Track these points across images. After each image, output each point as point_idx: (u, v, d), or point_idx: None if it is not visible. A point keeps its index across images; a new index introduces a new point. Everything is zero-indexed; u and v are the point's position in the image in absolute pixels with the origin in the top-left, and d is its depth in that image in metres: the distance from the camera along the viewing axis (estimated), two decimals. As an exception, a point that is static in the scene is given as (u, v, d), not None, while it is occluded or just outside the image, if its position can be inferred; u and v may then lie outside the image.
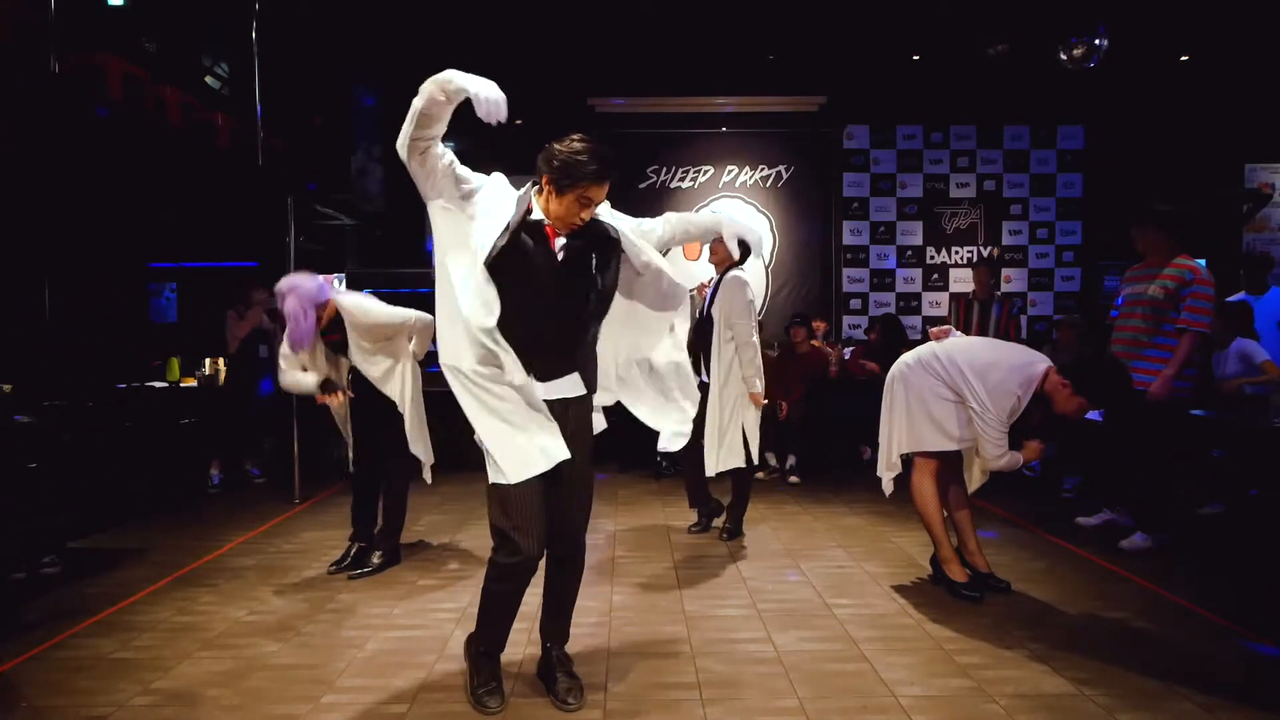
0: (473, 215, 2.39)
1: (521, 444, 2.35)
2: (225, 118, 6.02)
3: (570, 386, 2.48)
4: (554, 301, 2.39)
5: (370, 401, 3.83)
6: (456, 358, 2.36)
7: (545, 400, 2.41)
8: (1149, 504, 4.24)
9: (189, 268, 7.40)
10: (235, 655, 2.96)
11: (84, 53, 4.84)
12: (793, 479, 6.11)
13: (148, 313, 7.32)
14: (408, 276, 6.65)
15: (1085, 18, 6.23)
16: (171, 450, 5.75)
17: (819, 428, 6.43)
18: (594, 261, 2.45)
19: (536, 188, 2.42)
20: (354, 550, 3.97)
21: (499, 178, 2.50)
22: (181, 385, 6.20)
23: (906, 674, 2.76)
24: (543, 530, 2.41)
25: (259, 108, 5.77)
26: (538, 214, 2.40)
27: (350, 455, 4.01)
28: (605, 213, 2.51)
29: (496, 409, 2.35)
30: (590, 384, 2.54)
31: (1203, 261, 4.41)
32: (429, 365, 3.78)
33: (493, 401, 2.35)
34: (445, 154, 2.44)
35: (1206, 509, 4.84)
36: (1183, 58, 7.78)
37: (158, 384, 6.21)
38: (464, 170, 2.45)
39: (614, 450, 6.45)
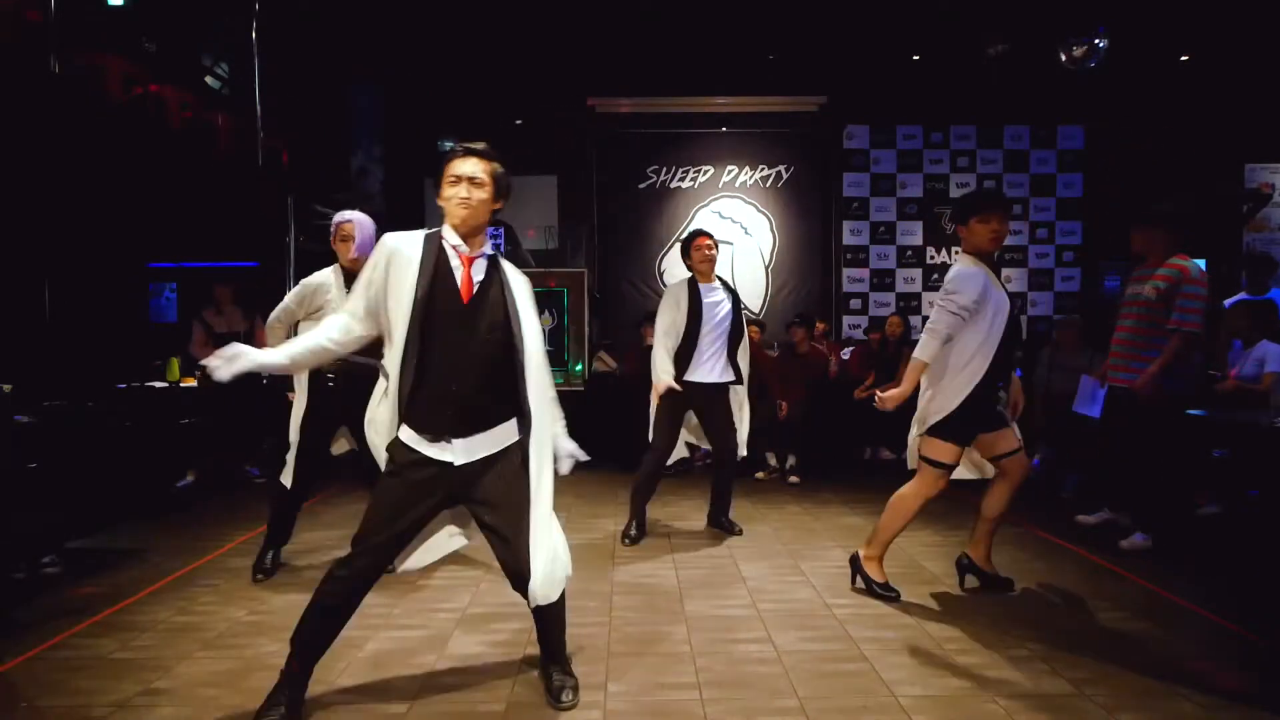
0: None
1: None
2: (225, 118, 6.02)
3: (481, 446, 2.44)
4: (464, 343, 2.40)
5: (340, 402, 3.74)
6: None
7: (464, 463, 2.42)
8: (1148, 503, 4.25)
9: (189, 268, 7.40)
10: (235, 655, 2.95)
11: (84, 53, 4.84)
12: (793, 479, 6.11)
13: (148, 313, 7.31)
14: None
15: (1085, 18, 6.24)
16: (172, 451, 5.74)
17: (819, 428, 6.43)
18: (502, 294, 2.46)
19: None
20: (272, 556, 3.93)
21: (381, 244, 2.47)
22: (181, 385, 6.20)
23: (906, 674, 2.76)
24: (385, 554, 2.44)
25: (259, 108, 5.77)
26: (449, 239, 2.44)
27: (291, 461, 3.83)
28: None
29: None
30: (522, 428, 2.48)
31: (1201, 262, 4.40)
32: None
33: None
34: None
35: (1206, 509, 4.84)
36: (1183, 58, 7.78)
37: (158, 384, 6.20)
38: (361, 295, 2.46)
39: (614, 450, 6.44)
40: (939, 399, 3.35)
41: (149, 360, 6.42)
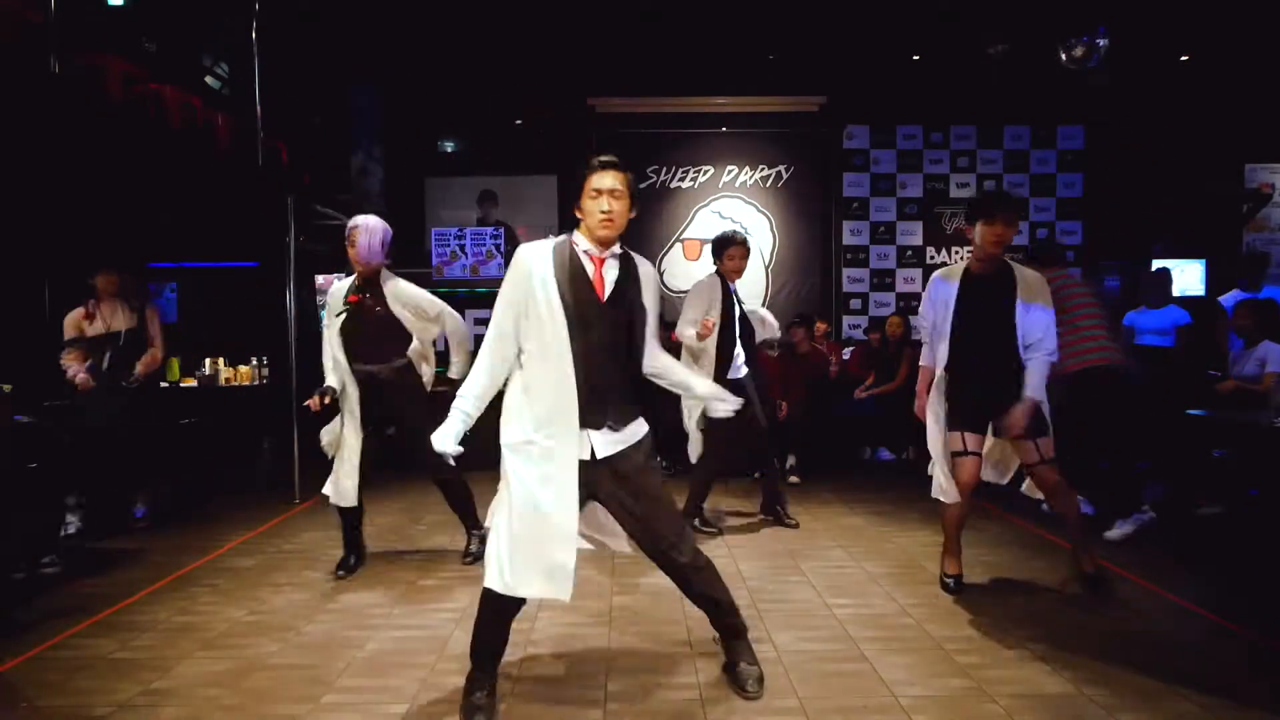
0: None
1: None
2: (225, 118, 6.02)
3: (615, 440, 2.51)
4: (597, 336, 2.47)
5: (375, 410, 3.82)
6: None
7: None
8: (1117, 488, 4.35)
9: (189, 268, 7.40)
10: (235, 655, 2.96)
11: (84, 53, 4.84)
12: (793, 479, 6.11)
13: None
14: (408, 277, 6.64)
15: (1085, 18, 6.23)
16: (172, 450, 5.74)
17: (819, 428, 6.43)
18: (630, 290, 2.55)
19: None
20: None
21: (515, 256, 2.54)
22: (181, 385, 6.21)
23: (906, 674, 2.76)
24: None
25: (259, 108, 5.77)
26: (580, 244, 2.54)
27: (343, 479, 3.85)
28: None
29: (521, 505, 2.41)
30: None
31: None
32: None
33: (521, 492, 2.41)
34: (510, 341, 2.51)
35: (1206, 509, 4.85)
36: (1183, 58, 7.78)
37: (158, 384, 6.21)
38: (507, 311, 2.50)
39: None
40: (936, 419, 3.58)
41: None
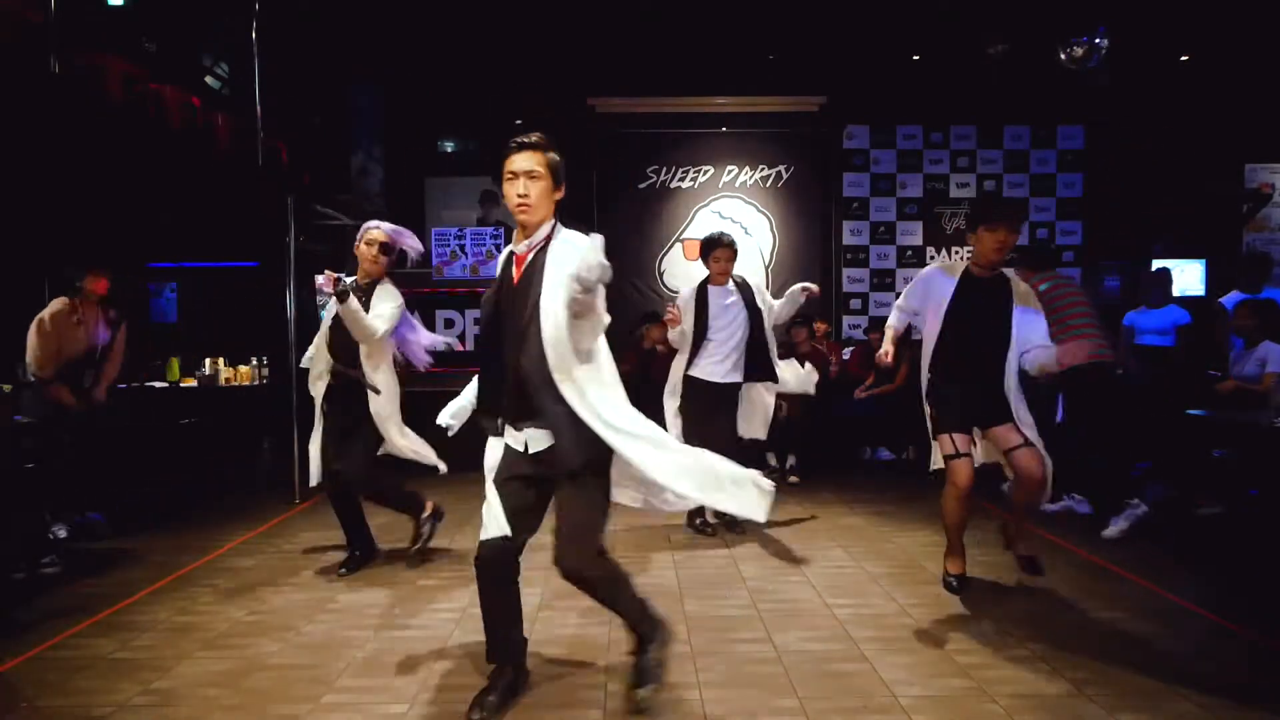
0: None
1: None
2: (225, 118, 6.02)
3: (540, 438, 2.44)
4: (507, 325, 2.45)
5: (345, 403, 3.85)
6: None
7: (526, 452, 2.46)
8: (1108, 484, 4.38)
9: (189, 268, 7.40)
10: (235, 655, 2.96)
11: (84, 53, 4.84)
12: (793, 479, 6.11)
13: (148, 313, 7.32)
14: (408, 277, 6.66)
15: (1085, 18, 6.23)
16: (172, 450, 5.74)
17: (819, 428, 6.43)
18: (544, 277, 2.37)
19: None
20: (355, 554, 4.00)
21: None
22: (181, 385, 6.21)
23: (906, 674, 2.76)
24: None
25: (259, 108, 5.77)
26: (512, 244, 2.50)
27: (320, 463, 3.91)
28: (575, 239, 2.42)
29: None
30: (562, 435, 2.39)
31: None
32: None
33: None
34: None
35: (1206, 509, 4.85)
36: (1183, 58, 7.78)
37: (158, 384, 6.21)
38: None
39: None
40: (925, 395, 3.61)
41: (149, 360, 6.43)
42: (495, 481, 2.49)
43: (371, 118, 8.00)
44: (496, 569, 2.48)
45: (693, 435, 4.52)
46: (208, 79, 6.67)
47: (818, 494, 5.67)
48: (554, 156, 2.42)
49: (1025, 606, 3.41)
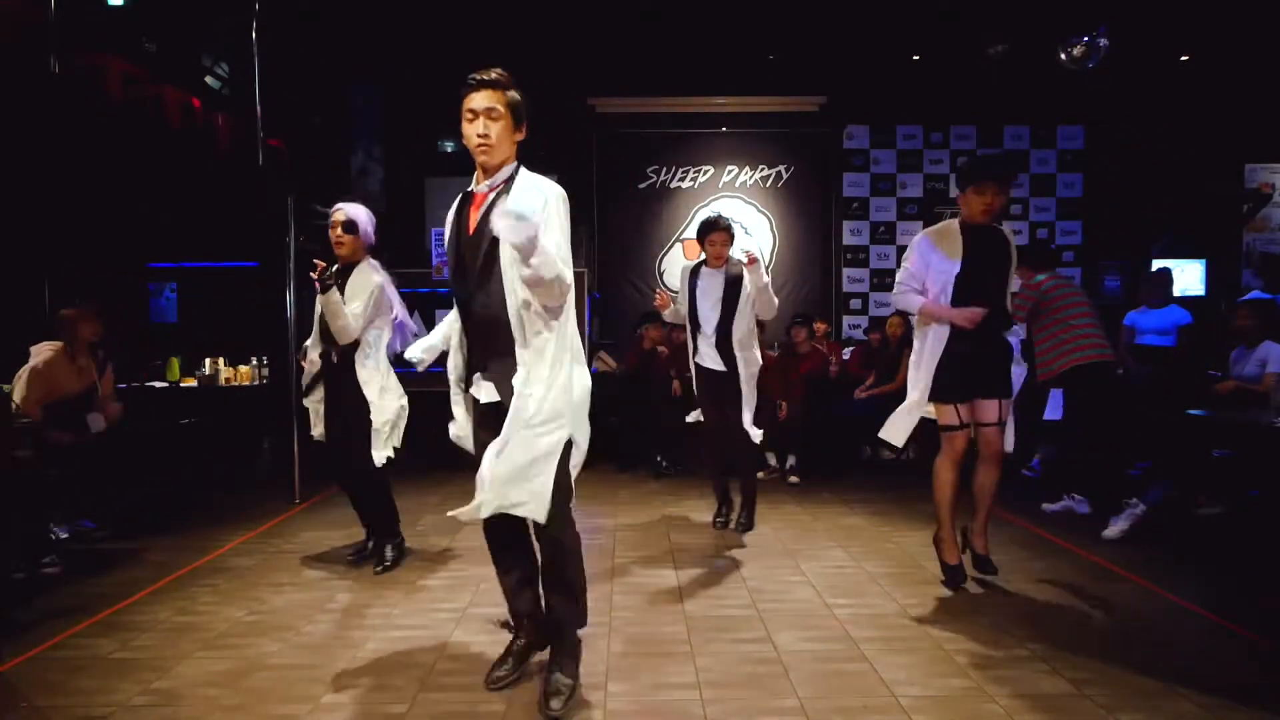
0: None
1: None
2: (225, 118, 6.02)
3: (487, 389, 2.45)
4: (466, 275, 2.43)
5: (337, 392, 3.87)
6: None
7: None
8: (1108, 484, 4.40)
9: (189, 268, 7.40)
10: (235, 655, 2.95)
11: (84, 53, 4.84)
12: (793, 479, 6.11)
13: (148, 313, 7.32)
14: (408, 277, 6.67)
15: (1085, 18, 6.23)
16: (172, 450, 5.75)
17: (819, 428, 6.43)
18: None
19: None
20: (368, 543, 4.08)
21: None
22: (181, 385, 6.21)
23: (906, 674, 2.75)
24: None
25: (259, 108, 5.76)
26: (470, 184, 2.48)
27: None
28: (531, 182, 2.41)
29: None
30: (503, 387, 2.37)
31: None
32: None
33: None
34: None
35: (1207, 509, 4.85)
36: (1183, 58, 7.78)
37: (158, 384, 6.21)
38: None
39: (614, 450, 6.45)
40: (921, 367, 3.52)
41: (149, 360, 6.43)
42: (479, 445, 2.49)
43: (371, 118, 8.00)
44: (504, 534, 2.52)
45: (708, 423, 4.61)
46: (208, 79, 6.67)
47: (818, 494, 5.67)
48: (515, 95, 2.38)
49: (1025, 606, 3.41)
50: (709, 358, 4.49)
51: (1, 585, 3.63)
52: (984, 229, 3.42)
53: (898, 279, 3.55)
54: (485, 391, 2.44)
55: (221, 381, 6.29)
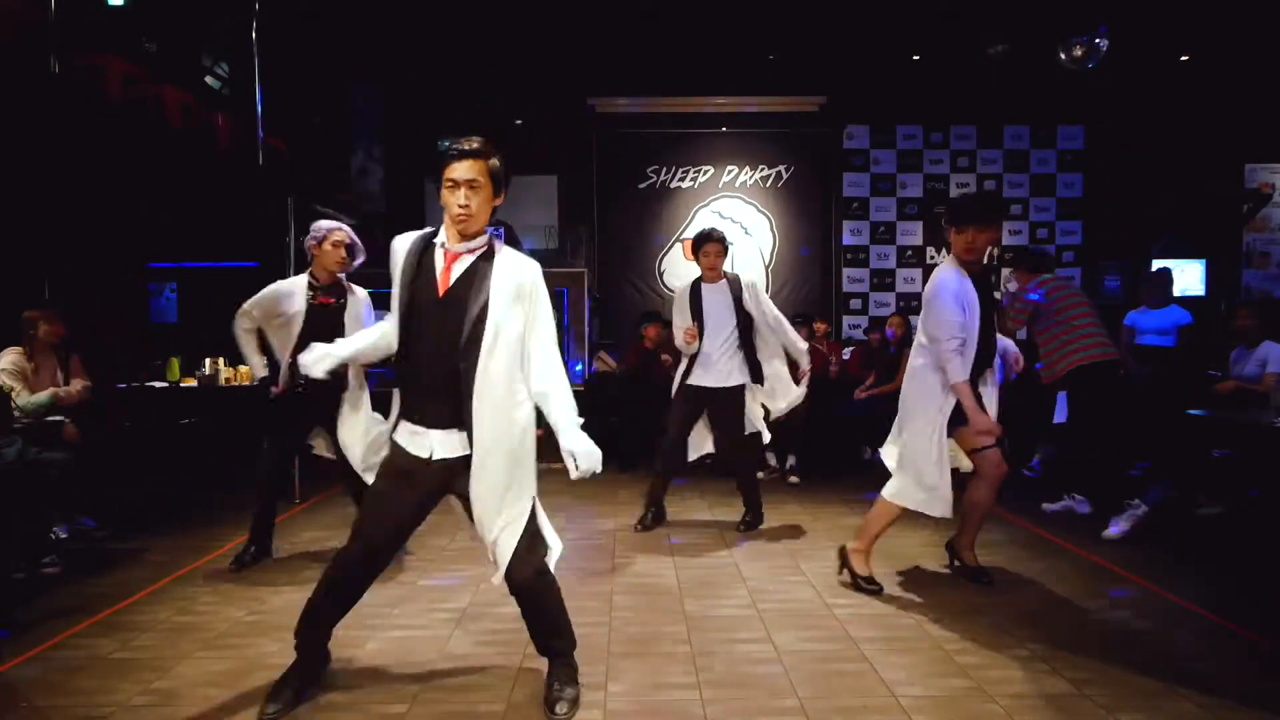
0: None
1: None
2: (225, 118, 6.02)
3: (455, 444, 2.43)
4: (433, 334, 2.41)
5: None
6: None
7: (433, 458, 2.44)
8: (1108, 484, 4.39)
9: (189, 268, 7.39)
10: (235, 655, 2.95)
11: (84, 53, 4.84)
12: (793, 479, 6.11)
13: (148, 313, 7.31)
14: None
15: (1085, 18, 6.24)
16: (172, 450, 5.74)
17: (819, 428, 6.43)
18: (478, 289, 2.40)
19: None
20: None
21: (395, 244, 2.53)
22: (181, 385, 6.20)
23: (906, 674, 2.75)
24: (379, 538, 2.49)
25: (259, 108, 5.76)
26: (441, 236, 2.46)
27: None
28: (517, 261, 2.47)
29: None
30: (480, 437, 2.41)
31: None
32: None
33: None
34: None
35: (1207, 509, 4.85)
36: (1183, 58, 7.78)
37: (158, 384, 6.20)
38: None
39: (614, 450, 6.44)
40: (932, 418, 3.51)
41: (149, 360, 6.42)
42: (381, 485, 2.51)
43: (371, 118, 8.00)
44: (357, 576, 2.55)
45: (675, 440, 4.56)
46: (208, 79, 6.66)
47: (818, 494, 5.67)
48: (496, 163, 2.38)
49: (1025, 606, 3.41)
50: (714, 376, 4.45)
51: (1, 585, 3.63)
52: (975, 265, 3.48)
53: (948, 334, 3.31)
54: (445, 447, 2.43)
55: (221, 381, 6.27)
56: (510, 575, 2.46)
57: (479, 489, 2.40)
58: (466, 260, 2.42)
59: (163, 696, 2.64)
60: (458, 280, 2.40)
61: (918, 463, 3.43)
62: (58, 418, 4.47)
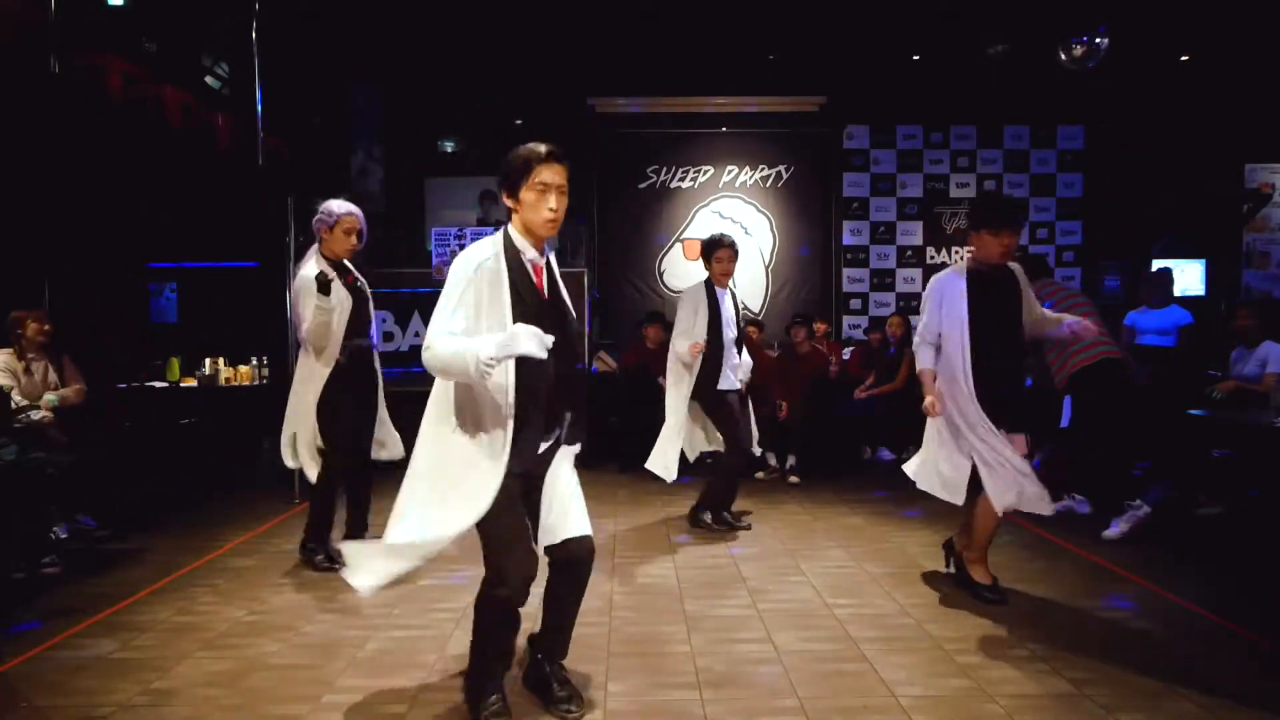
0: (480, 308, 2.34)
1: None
2: (225, 118, 6.02)
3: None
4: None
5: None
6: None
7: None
8: (1109, 484, 4.39)
9: (189, 268, 7.39)
10: (235, 655, 2.96)
11: (84, 53, 4.84)
12: (793, 479, 6.11)
13: (148, 313, 7.31)
14: (408, 277, 6.66)
15: (1085, 18, 6.24)
16: (172, 450, 5.74)
17: (819, 428, 6.43)
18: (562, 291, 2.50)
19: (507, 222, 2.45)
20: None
21: (460, 260, 2.39)
22: (181, 385, 6.21)
23: (906, 674, 2.76)
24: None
25: (259, 108, 5.77)
26: (518, 243, 2.39)
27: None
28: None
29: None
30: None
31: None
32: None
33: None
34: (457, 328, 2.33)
35: (1207, 509, 4.85)
36: (1183, 58, 7.78)
37: (158, 384, 6.21)
38: (461, 313, 2.31)
39: (614, 450, 6.45)
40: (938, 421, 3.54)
41: (149, 360, 6.42)
42: (501, 508, 2.30)
43: (371, 118, 8.01)
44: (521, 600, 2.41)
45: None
46: (208, 79, 6.67)
47: (818, 494, 5.67)
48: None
49: (1025, 606, 3.41)
50: (728, 379, 4.50)
51: (1, 585, 3.63)
52: (993, 269, 3.44)
53: (919, 329, 3.60)
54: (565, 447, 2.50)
55: (221, 381, 6.28)
56: (581, 545, 2.40)
57: (563, 469, 2.47)
58: (543, 267, 2.45)
59: (162, 696, 2.64)
60: (549, 288, 2.44)
61: (933, 450, 3.57)
62: (41, 414, 4.45)
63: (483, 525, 2.29)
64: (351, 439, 3.92)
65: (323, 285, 3.66)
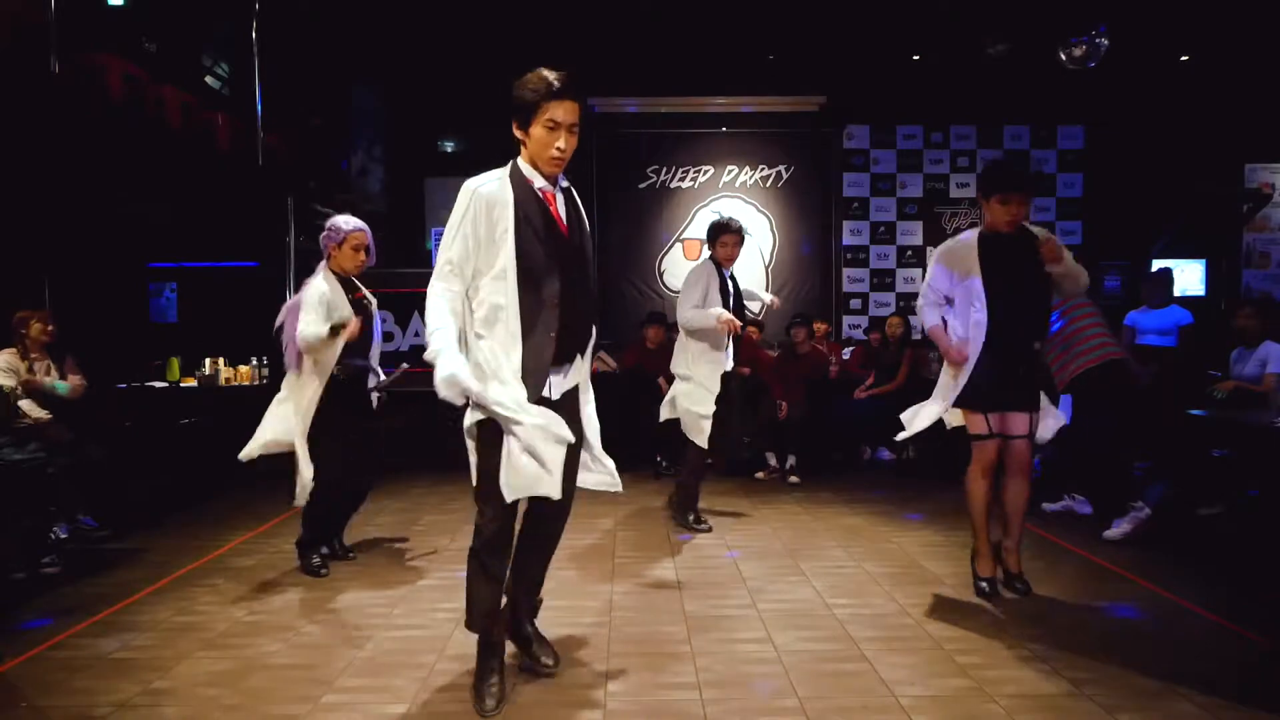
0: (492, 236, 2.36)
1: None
2: (225, 118, 6.02)
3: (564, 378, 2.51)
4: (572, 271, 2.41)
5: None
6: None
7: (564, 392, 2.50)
8: (1110, 484, 4.38)
9: (189, 268, 7.39)
10: (235, 655, 2.95)
11: (84, 53, 4.84)
12: (793, 479, 6.10)
13: (148, 313, 7.31)
14: (408, 276, 6.65)
15: (1085, 18, 6.24)
16: (172, 450, 5.74)
17: (819, 428, 6.43)
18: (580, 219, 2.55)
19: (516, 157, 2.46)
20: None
21: (463, 188, 2.39)
22: (181, 385, 6.21)
23: (906, 674, 2.75)
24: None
25: (259, 108, 5.77)
26: (526, 172, 2.40)
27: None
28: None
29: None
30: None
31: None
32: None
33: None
34: (462, 282, 2.38)
35: (1206, 509, 4.85)
36: (1183, 58, 7.78)
37: (158, 384, 6.21)
38: (459, 243, 2.35)
39: (614, 450, 6.44)
40: (953, 373, 3.49)
41: (149, 360, 6.42)
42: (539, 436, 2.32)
43: (371, 117, 8.01)
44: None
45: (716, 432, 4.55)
46: (208, 79, 6.67)
47: (818, 494, 5.67)
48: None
49: (1025, 606, 3.40)
50: (730, 359, 4.52)
51: (1, 585, 3.63)
52: (1007, 235, 3.36)
53: (923, 290, 3.57)
54: (561, 385, 2.48)
55: (221, 381, 6.28)
56: (565, 496, 2.52)
57: (588, 410, 2.58)
58: (559, 195, 2.43)
59: (162, 696, 2.64)
60: (568, 218, 2.44)
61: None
62: (41, 414, 4.45)
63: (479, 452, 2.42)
64: (339, 456, 3.80)
65: (334, 329, 3.64)
